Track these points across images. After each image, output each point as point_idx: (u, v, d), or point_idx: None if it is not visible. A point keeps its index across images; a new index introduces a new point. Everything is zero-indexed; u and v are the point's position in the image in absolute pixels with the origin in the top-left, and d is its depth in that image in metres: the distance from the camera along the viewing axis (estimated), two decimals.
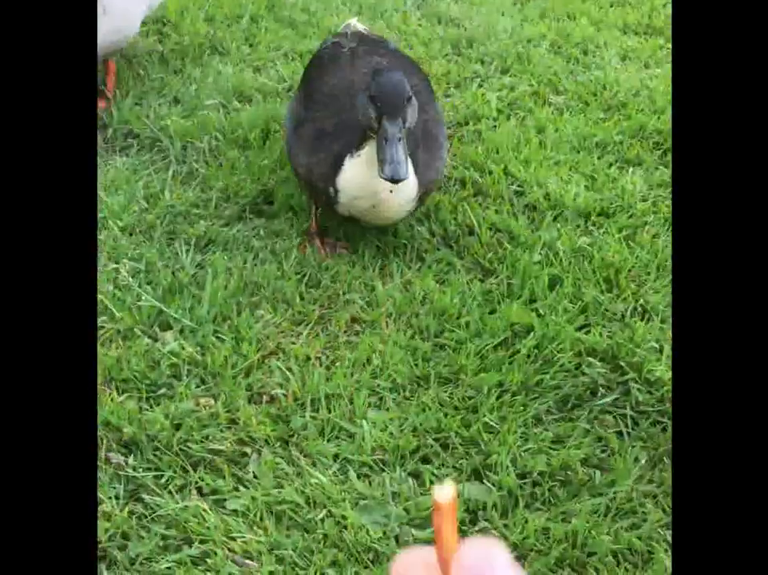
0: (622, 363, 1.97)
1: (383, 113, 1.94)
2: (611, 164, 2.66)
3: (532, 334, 2.04)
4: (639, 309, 2.14)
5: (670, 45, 3.36)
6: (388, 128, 1.93)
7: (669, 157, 2.69)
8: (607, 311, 2.13)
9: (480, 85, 3.05)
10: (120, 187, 2.49)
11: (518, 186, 2.55)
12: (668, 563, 1.56)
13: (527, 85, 3.04)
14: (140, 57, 3.16)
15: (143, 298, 2.12)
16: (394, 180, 1.91)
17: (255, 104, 2.90)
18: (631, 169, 2.64)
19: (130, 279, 2.17)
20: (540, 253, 2.29)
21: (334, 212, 2.23)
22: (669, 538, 1.63)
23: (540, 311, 2.12)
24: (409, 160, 1.97)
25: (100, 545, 1.62)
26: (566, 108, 2.93)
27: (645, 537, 1.63)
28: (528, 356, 2.00)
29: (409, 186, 2.11)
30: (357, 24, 2.58)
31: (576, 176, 2.59)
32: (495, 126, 2.81)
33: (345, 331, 2.07)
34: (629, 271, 2.24)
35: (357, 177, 2.10)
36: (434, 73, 3.11)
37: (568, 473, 1.75)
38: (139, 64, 3.12)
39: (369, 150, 2.04)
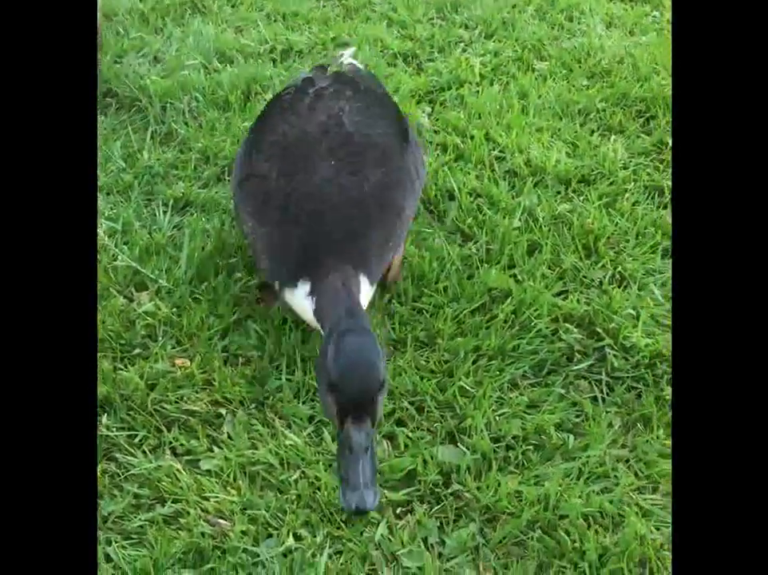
0: (598, 329, 1.98)
1: (347, 412, 1.49)
2: (593, 132, 2.65)
3: (509, 299, 2.04)
4: (617, 276, 2.14)
5: (656, 13, 3.34)
6: (353, 437, 1.47)
7: (651, 125, 2.68)
8: (585, 277, 2.13)
9: (464, 50, 3.03)
10: (99, 146, 2.46)
11: (499, 152, 2.54)
12: (639, 526, 1.57)
13: (511, 50, 3.02)
14: (120, 15, 3.12)
15: (119, 258, 2.10)
16: (359, 513, 1.45)
17: (237, 65, 2.87)
18: (613, 137, 2.62)
19: (106, 239, 2.15)
20: (520, 219, 2.29)
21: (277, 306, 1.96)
22: (641, 502, 1.65)
23: (519, 276, 2.12)
24: (375, 475, 1.48)
25: None
26: (549, 74, 2.91)
27: (617, 500, 1.64)
28: (505, 321, 2.00)
29: (367, 299, 1.80)
30: (350, 58, 2.38)
31: (558, 143, 2.58)
32: (478, 92, 2.79)
33: None
34: (608, 238, 2.23)
35: (296, 302, 1.79)
36: (418, 37, 3.08)
37: (542, 437, 1.76)
38: (119, 22, 3.07)
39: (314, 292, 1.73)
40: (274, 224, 1.82)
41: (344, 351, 1.52)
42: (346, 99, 2.01)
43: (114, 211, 2.25)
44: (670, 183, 2.41)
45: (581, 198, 2.38)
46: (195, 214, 2.26)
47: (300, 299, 1.77)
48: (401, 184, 1.93)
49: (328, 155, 1.87)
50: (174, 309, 1.99)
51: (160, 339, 1.92)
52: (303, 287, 1.76)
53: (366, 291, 1.79)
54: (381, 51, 2.99)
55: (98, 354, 1.87)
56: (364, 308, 1.74)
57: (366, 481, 1.44)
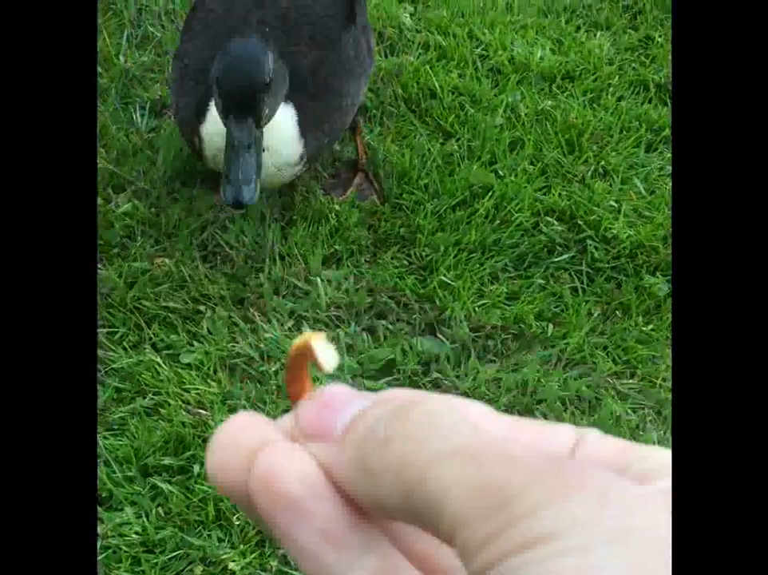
0: (579, 222, 1.97)
1: (229, 109, 1.48)
2: (578, 28, 2.59)
3: (490, 194, 2.02)
4: (600, 170, 2.12)
5: None
6: (234, 133, 1.47)
7: (638, 20, 2.63)
8: (567, 172, 2.11)
9: None
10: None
11: (482, 50, 2.49)
12: (616, 407, 1.59)
13: None
14: None
15: (96, 160, 2.07)
16: (237, 206, 1.50)
17: None
18: (599, 33, 2.57)
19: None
20: (503, 116, 2.25)
21: (203, 164, 1.84)
22: (618, 387, 1.66)
23: (500, 172, 2.10)
24: (260, 173, 1.50)
25: None
26: None
27: (594, 385, 1.65)
28: (486, 216, 1.99)
29: (288, 149, 1.71)
30: None
31: (543, 40, 2.52)
32: None
33: (303, 192, 2.04)
34: (592, 133, 2.20)
35: (220, 126, 1.64)
36: None
37: (521, 326, 1.77)
38: None
39: None
40: (193, 90, 1.74)
41: (228, 51, 1.52)
42: None
43: None
44: (655, 77, 2.37)
45: (565, 94, 2.34)
46: (173, 116, 2.22)
47: (212, 124, 1.63)
48: (342, 68, 1.84)
49: (258, 26, 1.73)
50: (152, 209, 1.97)
51: (139, 238, 1.92)
52: (212, 107, 1.62)
53: (288, 119, 1.68)
54: None
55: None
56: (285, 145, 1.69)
57: (245, 178, 1.45)
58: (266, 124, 1.56)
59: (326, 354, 0.37)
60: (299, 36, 1.80)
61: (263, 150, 1.59)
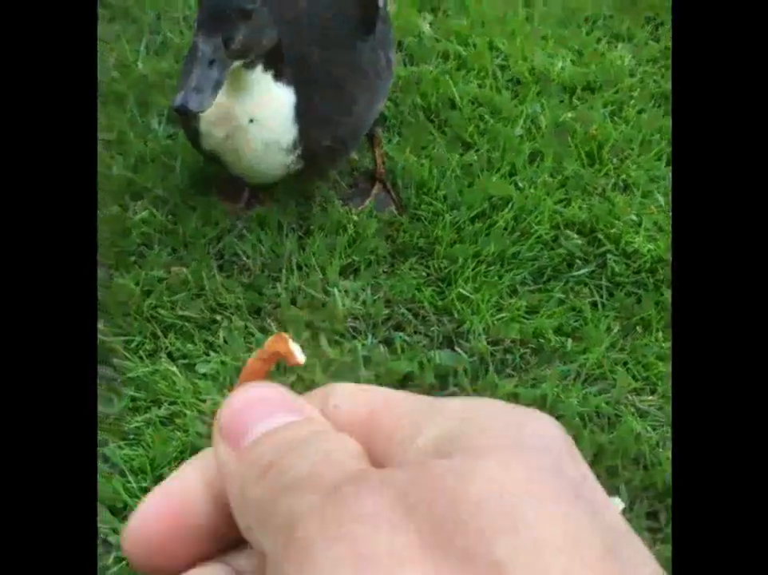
0: (600, 236, 1.95)
1: (201, 25, 1.47)
2: (599, 39, 2.58)
3: (510, 206, 2.01)
4: (621, 184, 2.10)
5: None
6: (199, 45, 1.46)
7: (660, 32, 2.61)
8: (587, 185, 2.09)
9: None
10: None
11: (503, 60, 2.48)
12: (635, 424, 1.57)
13: None
14: None
15: (113, 167, 2.07)
16: (182, 111, 1.44)
17: None
18: (620, 44, 2.55)
19: (101, 149, 2.11)
20: (523, 127, 2.24)
21: (198, 149, 1.81)
22: (637, 403, 1.64)
23: (520, 184, 2.08)
24: (216, 91, 1.46)
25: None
26: None
27: (613, 401, 1.63)
28: (505, 228, 1.97)
29: (279, 125, 1.69)
30: None
31: (563, 51, 2.51)
32: None
33: (321, 201, 2.03)
34: (612, 145, 2.19)
35: (220, 111, 1.66)
36: None
37: (540, 341, 1.75)
38: None
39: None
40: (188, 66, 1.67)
41: None
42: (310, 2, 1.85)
43: (108, 121, 2.21)
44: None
45: (585, 106, 2.32)
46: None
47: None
48: (356, 74, 1.83)
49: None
50: (169, 217, 1.96)
51: (156, 246, 1.91)
52: None
53: (282, 97, 1.65)
54: None
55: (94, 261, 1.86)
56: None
57: (198, 86, 1.42)
58: (238, 55, 1.53)
59: (297, 350, 0.37)
60: (311, 38, 1.79)
61: (250, 122, 1.65)
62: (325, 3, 1.87)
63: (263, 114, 1.67)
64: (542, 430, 0.30)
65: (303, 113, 1.70)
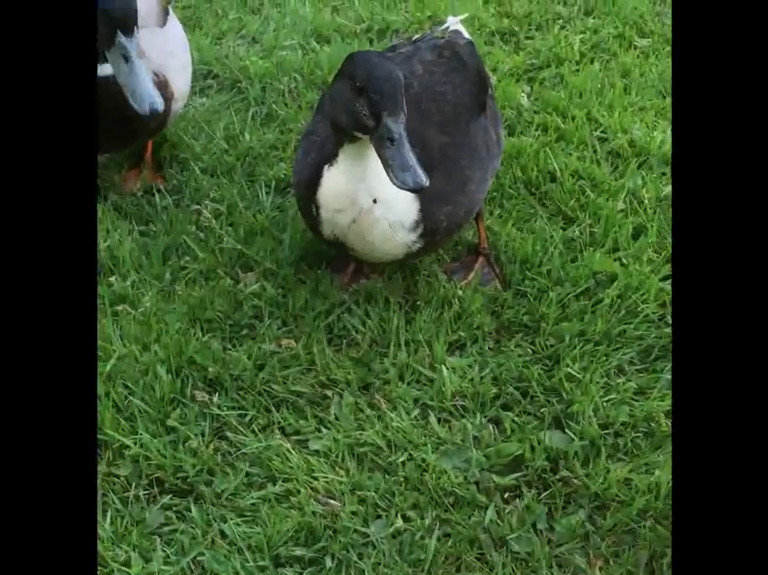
0: None
1: (382, 109, 1.57)
2: None
3: (615, 283, 2.01)
4: None
5: None
6: (393, 128, 1.56)
7: None
8: None
9: (562, 27, 2.97)
10: (201, 128, 2.50)
11: (601, 132, 2.49)
12: None
13: (611, 27, 2.94)
14: None
15: (224, 240, 2.13)
16: (415, 189, 1.57)
17: (334, 44, 2.87)
18: None
19: (213, 220, 2.18)
20: (624, 201, 2.24)
21: (319, 237, 1.87)
22: None
23: (624, 260, 2.08)
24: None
25: (187, 480, 1.66)
26: (652, 51, 2.83)
27: None
28: (611, 306, 1.97)
29: (402, 205, 1.75)
30: (456, 24, 2.22)
31: (662, 123, 2.51)
32: (578, 70, 2.74)
33: (426, 276, 2.06)
34: None
35: (336, 186, 1.74)
36: (515, 14, 3.03)
37: (651, 424, 1.73)
38: (217, 3, 3.10)
39: (346, 155, 1.71)
40: (309, 163, 1.82)
41: (362, 60, 1.63)
42: (421, 62, 1.95)
43: (219, 192, 2.28)
44: None
45: None
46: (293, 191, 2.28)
47: (326, 178, 1.75)
48: (470, 153, 1.89)
49: None
50: (279, 290, 2.01)
51: (267, 319, 1.95)
52: (324, 169, 1.74)
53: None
54: (477, 29, 2.95)
55: (208, 335, 1.92)
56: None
57: (413, 163, 1.55)
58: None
59: None
60: (430, 122, 1.84)
61: (374, 202, 1.73)
62: (438, 80, 1.92)
63: (386, 193, 1.71)
64: None
65: (424, 196, 1.74)
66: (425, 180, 1.55)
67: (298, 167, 1.89)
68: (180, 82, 2.21)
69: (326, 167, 1.75)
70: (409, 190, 1.57)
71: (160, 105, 1.87)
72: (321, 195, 1.77)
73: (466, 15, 2.55)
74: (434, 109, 1.86)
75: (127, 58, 1.87)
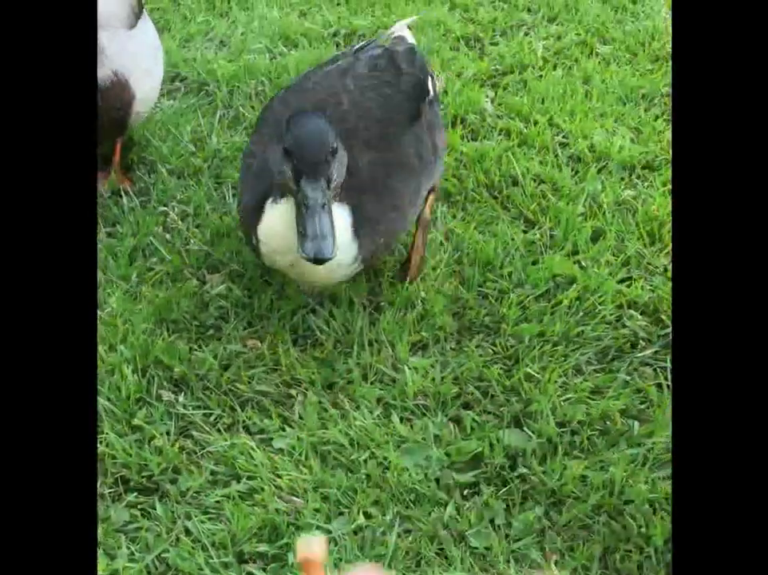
0: (663, 317, 1.99)
1: (301, 173, 1.60)
2: (657, 117, 2.64)
3: (574, 285, 2.06)
4: None
5: None
6: (309, 194, 1.58)
7: None
8: (649, 264, 2.14)
9: (526, 34, 3.03)
10: (169, 130, 2.52)
11: (563, 137, 2.55)
12: None
13: (574, 34, 3.00)
14: None
15: (191, 241, 2.16)
16: (318, 260, 1.57)
17: (301, 48, 2.90)
18: None
19: (180, 222, 2.21)
20: (584, 205, 2.30)
21: (263, 264, 1.92)
22: None
23: (583, 263, 2.13)
24: (336, 231, 1.61)
25: (152, 478, 1.69)
26: (613, 58, 2.89)
27: None
28: (570, 307, 2.02)
29: (342, 251, 1.72)
30: (403, 29, 2.24)
31: (622, 129, 2.57)
32: (541, 76, 2.80)
33: (390, 278, 2.09)
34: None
35: (276, 227, 1.74)
36: (480, 20, 3.08)
37: (607, 423, 1.79)
38: (185, 6, 3.12)
39: (289, 201, 1.70)
40: (253, 191, 1.82)
41: (296, 122, 1.66)
42: (354, 77, 1.96)
43: (186, 194, 2.31)
44: None
45: (645, 184, 2.38)
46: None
47: (269, 214, 1.74)
48: (400, 167, 1.90)
49: None
50: (245, 291, 2.04)
51: (232, 320, 1.98)
52: (267, 204, 1.74)
53: (341, 220, 1.71)
54: (443, 35, 3.00)
55: (174, 335, 1.94)
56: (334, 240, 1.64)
57: (322, 233, 1.56)
58: (334, 190, 1.65)
59: (320, 548, 0.43)
60: (355, 138, 1.84)
61: None
62: (368, 96, 1.93)
63: None
64: None
65: (359, 226, 1.77)
66: (328, 253, 1.56)
67: (241, 187, 1.91)
68: (145, 86, 2.22)
69: (269, 201, 1.75)
70: (309, 260, 1.57)
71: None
72: (261, 231, 1.78)
73: (416, 18, 2.53)
74: (361, 126, 1.87)
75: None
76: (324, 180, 1.61)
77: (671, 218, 2.23)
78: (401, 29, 2.26)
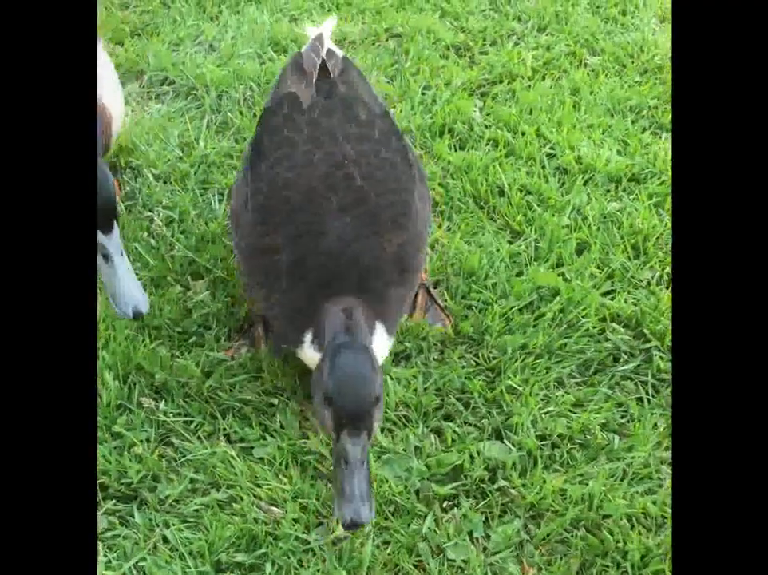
0: (645, 331, 1.99)
1: (342, 426, 1.49)
2: (644, 129, 2.65)
3: (557, 298, 2.06)
4: (666, 277, 2.15)
5: None
6: (349, 450, 1.47)
7: None
8: (633, 277, 2.15)
9: (516, 44, 3.03)
10: (156, 135, 2.52)
11: (550, 148, 2.55)
12: None
13: (563, 44, 3.01)
14: (177, 2, 3.16)
15: (176, 247, 2.15)
16: (353, 527, 1.45)
17: (291, 55, 2.89)
18: (664, 135, 2.62)
19: (164, 227, 2.20)
20: (570, 217, 2.30)
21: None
22: None
23: (567, 275, 2.14)
24: (372, 488, 1.50)
25: (131, 485, 1.68)
26: (602, 70, 2.90)
27: (660, 502, 1.66)
28: (553, 320, 2.02)
29: (381, 353, 1.71)
30: (328, 41, 2.16)
31: (609, 141, 2.58)
32: (530, 86, 2.80)
33: None
34: (657, 238, 2.24)
35: (306, 356, 1.72)
36: (471, 29, 3.08)
37: (587, 436, 1.79)
38: (175, 9, 3.12)
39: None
40: (283, 292, 1.74)
41: (339, 366, 1.53)
42: (346, 138, 1.83)
43: (171, 200, 2.30)
44: None
45: (631, 197, 2.39)
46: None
47: (307, 351, 1.70)
48: (420, 239, 1.84)
49: (341, 213, 1.74)
50: (228, 299, 2.04)
51: (215, 327, 1.98)
52: (308, 338, 1.70)
53: (382, 339, 1.72)
54: (433, 43, 3.00)
55: (156, 342, 1.94)
56: (382, 357, 1.69)
57: (361, 494, 1.44)
58: (372, 436, 1.54)
59: None
60: (383, 222, 1.76)
61: None
62: (373, 163, 1.82)
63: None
64: None
65: (390, 329, 1.74)
66: (367, 519, 1.43)
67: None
68: (116, 104, 2.19)
69: (308, 338, 1.69)
70: (345, 527, 1.45)
71: (145, 307, 1.73)
72: (301, 352, 1.73)
73: (331, 22, 2.41)
74: (383, 204, 1.77)
75: (107, 257, 1.73)
76: (365, 434, 1.49)
77: (655, 231, 2.24)
78: (326, 40, 2.17)
